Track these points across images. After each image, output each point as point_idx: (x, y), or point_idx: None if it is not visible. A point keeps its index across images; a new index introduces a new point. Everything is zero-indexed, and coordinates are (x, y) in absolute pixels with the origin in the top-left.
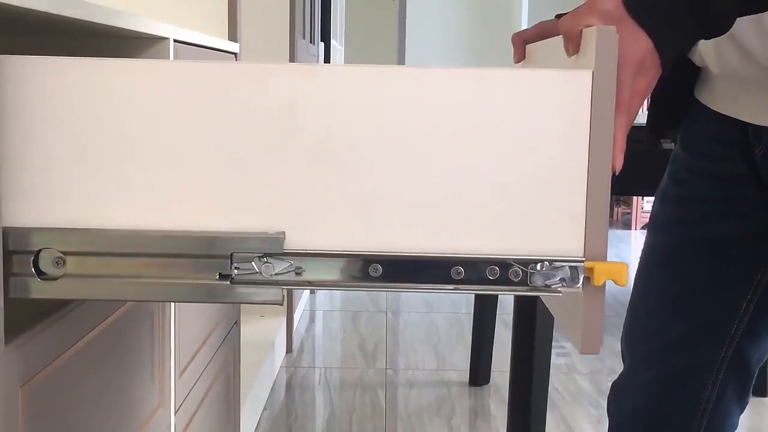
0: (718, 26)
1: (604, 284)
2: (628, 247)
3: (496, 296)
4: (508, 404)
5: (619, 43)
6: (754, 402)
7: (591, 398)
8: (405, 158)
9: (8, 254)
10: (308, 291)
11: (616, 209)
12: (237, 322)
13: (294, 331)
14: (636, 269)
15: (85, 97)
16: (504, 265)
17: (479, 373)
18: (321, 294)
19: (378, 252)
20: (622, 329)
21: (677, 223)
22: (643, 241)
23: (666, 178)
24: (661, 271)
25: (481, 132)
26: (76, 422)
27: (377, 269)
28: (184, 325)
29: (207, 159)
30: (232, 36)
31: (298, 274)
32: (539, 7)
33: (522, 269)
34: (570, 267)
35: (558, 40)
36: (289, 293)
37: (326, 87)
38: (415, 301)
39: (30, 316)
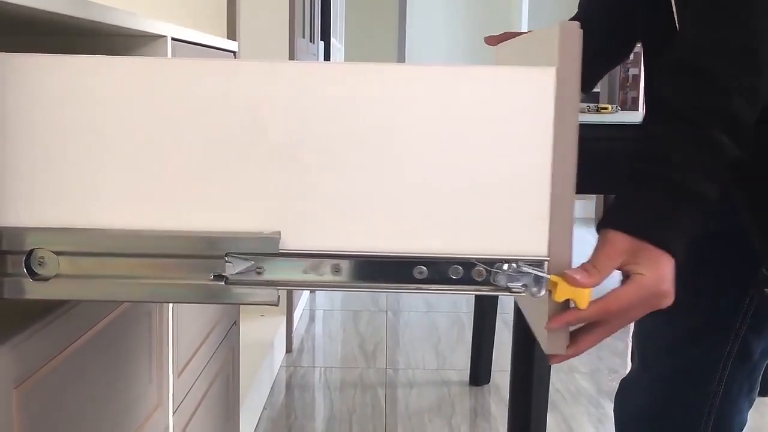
0: (712, 203)
1: (567, 303)
2: None
3: (497, 295)
4: (509, 404)
5: (649, 276)
6: (755, 401)
7: (591, 398)
8: (368, 157)
9: (2, 254)
10: (308, 290)
11: None
12: (236, 322)
13: (294, 330)
14: None
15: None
16: (467, 264)
17: (479, 373)
18: (321, 293)
19: (340, 251)
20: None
21: None
22: None
23: None
24: None
25: (444, 131)
26: (72, 423)
27: (339, 269)
28: (183, 325)
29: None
30: (231, 34)
31: (258, 273)
32: (539, 6)
33: (486, 269)
34: (535, 276)
35: (526, 37)
36: (289, 292)
37: (293, 86)
38: (416, 300)
39: (25, 316)
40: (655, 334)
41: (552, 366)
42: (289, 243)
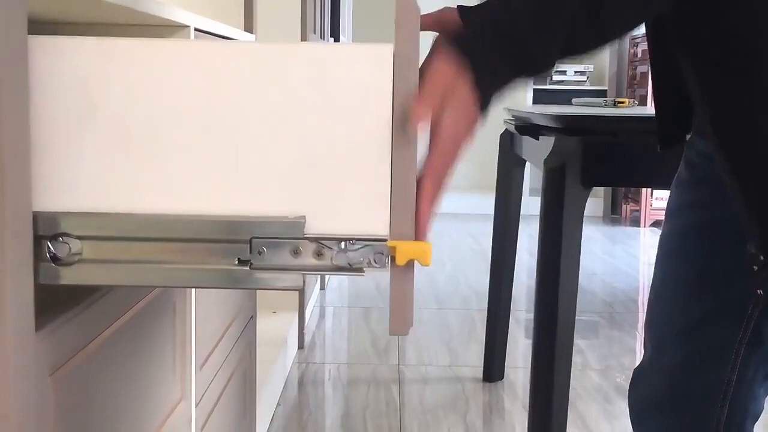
0: (536, 67)
1: (410, 265)
2: (637, 244)
3: (510, 292)
4: (530, 401)
5: (450, 120)
6: None
7: (606, 394)
8: (203, 136)
9: (38, 239)
10: (318, 287)
11: (624, 206)
12: (253, 317)
13: (305, 327)
14: (655, 257)
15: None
16: (308, 244)
17: (493, 369)
18: (331, 290)
19: None
20: (632, 324)
21: (690, 206)
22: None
23: (681, 164)
24: (677, 256)
25: (282, 109)
26: (103, 413)
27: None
28: (203, 318)
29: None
30: (248, 28)
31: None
32: None
33: (327, 248)
34: (374, 246)
35: None
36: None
37: (124, 64)
38: (426, 298)
39: (56, 303)
40: (669, 320)
41: None
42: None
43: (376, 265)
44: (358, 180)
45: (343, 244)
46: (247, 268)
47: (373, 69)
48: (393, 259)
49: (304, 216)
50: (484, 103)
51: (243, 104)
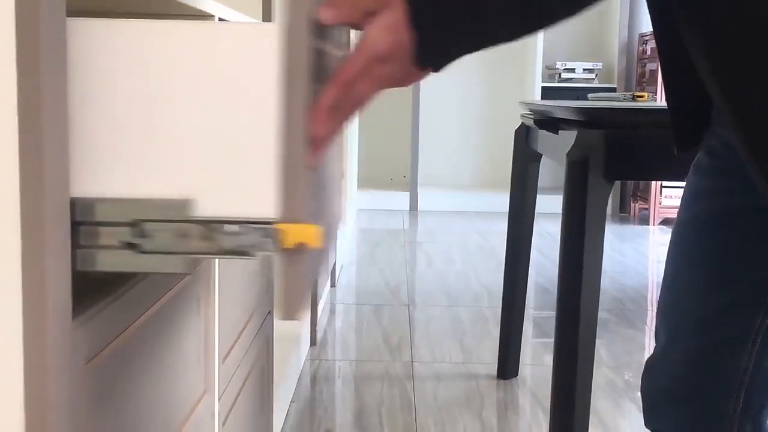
0: (490, 40)
1: (301, 247)
2: (646, 242)
3: (525, 289)
4: (551, 400)
5: (373, 30)
6: None
7: (621, 391)
8: (87, 116)
9: (75, 226)
10: (329, 284)
11: (633, 204)
12: (271, 311)
13: (317, 323)
14: (668, 245)
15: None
16: (194, 227)
17: (507, 366)
18: (341, 287)
19: None
20: (643, 321)
21: (708, 193)
22: (675, 217)
23: (701, 152)
24: (694, 244)
25: (167, 88)
26: (133, 404)
27: None
28: (225, 312)
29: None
30: (266, 19)
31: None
32: None
33: (215, 232)
34: (261, 230)
35: None
36: (314, 285)
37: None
38: (437, 295)
39: (89, 291)
40: (685, 311)
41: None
42: None
43: (265, 249)
44: (246, 162)
45: (231, 227)
46: (133, 251)
47: (258, 48)
48: (281, 242)
49: (191, 198)
50: (417, 29)
51: (126, 83)
